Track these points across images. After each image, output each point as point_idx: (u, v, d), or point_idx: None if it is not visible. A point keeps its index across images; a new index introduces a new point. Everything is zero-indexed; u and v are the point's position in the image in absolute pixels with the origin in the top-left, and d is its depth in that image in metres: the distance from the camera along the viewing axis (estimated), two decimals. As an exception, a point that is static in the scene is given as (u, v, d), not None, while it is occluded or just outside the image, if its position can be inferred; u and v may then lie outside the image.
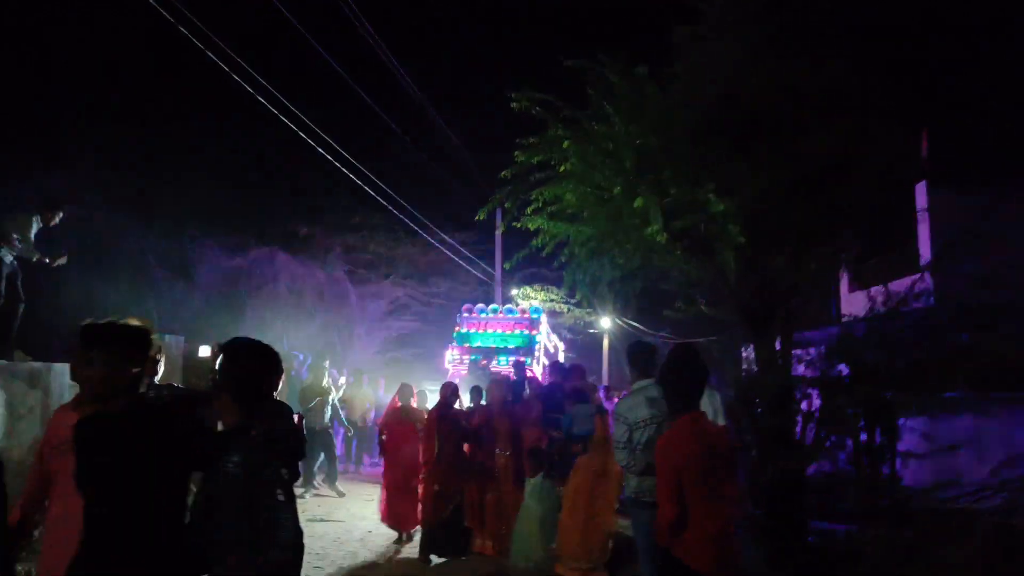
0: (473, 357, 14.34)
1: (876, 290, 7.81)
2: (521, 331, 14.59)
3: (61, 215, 8.82)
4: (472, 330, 14.70)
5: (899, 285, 7.99)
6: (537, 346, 14.34)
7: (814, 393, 7.44)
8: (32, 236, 8.49)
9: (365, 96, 14.49)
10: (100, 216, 14.16)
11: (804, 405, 7.47)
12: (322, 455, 12.21)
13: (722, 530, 3.92)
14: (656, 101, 7.23)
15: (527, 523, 7.48)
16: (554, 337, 16.78)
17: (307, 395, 12.07)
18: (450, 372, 14.04)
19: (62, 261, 8.76)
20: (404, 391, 10.01)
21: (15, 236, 8.27)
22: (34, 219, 8.49)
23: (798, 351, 7.77)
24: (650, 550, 4.91)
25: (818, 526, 7.78)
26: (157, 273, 15.15)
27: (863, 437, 7.50)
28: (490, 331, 14.63)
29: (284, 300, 16.71)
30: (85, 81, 18.67)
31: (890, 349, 7.26)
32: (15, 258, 8.38)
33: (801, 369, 7.70)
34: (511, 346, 14.25)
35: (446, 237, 20.31)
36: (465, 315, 15.06)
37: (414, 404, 10.21)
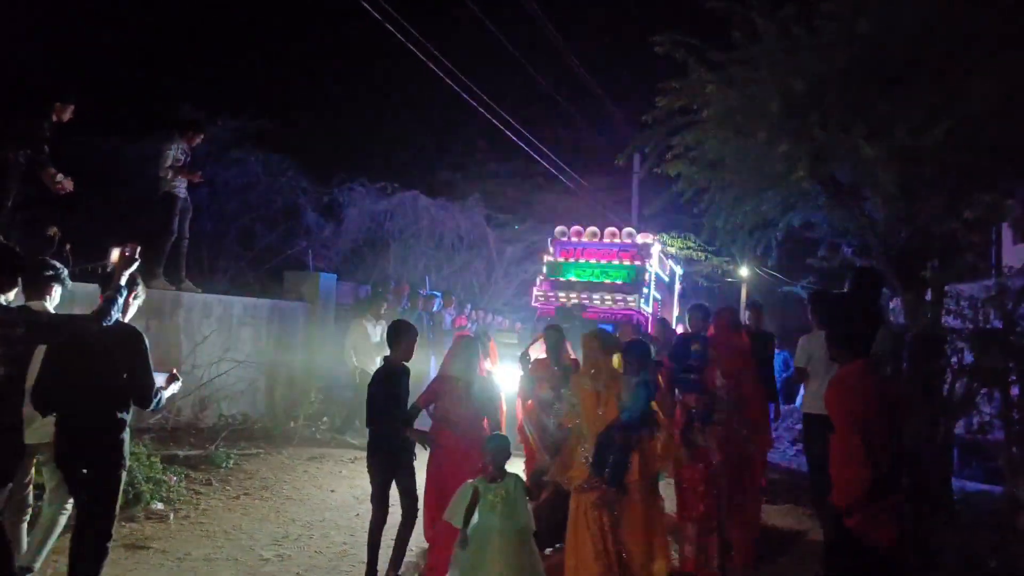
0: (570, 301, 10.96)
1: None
2: (624, 261, 11.66)
3: (202, 136, 9.26)
4: (565, 259, 11.97)
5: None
6: (647, 279, 11.62)
7: (966, 347, 7.11)
8: (173, 161, 8.55)
9: (504, 40, 14.57)
10: (256, 161, 15.04)
11: (954, 360, 7.16)
12: None
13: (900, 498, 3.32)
14: (804, 43, 6.98)
15: None
16: (672, 265, 13.85)
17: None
18: (536, 315, 11.53)
19: (198, 180, 9.10)
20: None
21: (172, 159, 8.53)
22: (175, 145, 8.65)
23: (949, 303, 7.42)
24: None
25: (963, 486, 7.52)
26: (309, 215, 16.00)
27: (1015, 392, 7.11)
28: (588, 261, 11.87)
29: (425, 243, 17.32)
30: (239, 27, 19.84)
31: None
32: (188, 196, 8.87)
33: (952, 323, 7.35)
34: (609, 281, 11.50)
35: (584, 182, 20.35)
36: (560, 238, 12.15)
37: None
